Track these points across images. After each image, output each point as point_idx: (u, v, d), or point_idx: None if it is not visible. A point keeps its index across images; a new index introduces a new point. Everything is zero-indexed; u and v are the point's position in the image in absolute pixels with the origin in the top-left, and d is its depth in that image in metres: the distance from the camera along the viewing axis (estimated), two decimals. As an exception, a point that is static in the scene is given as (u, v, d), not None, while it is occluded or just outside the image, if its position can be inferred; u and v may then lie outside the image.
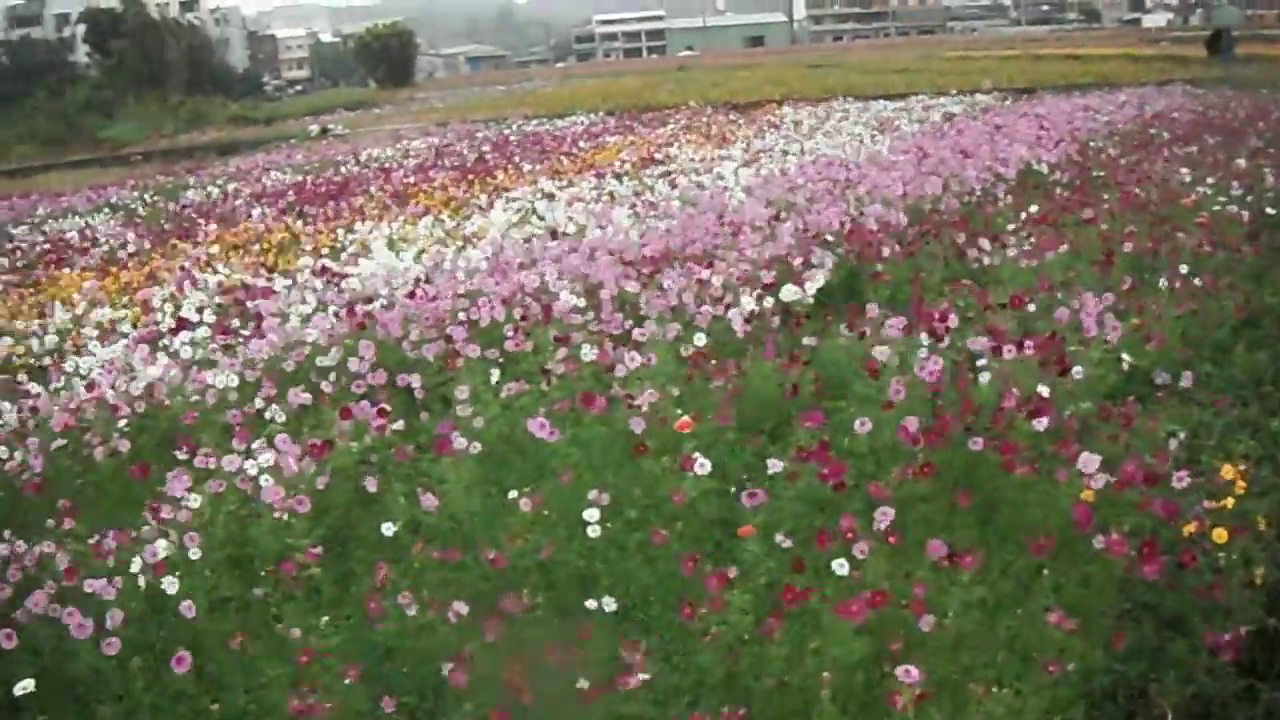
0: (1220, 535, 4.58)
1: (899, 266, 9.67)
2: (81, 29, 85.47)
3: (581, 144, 24.92)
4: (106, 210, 22.96)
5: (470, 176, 19.67)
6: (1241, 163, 14.12)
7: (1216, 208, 11.25)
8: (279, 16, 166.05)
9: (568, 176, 18.12)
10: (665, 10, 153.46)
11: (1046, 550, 4.78)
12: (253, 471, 6.06)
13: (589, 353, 7.38)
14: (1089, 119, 20.25)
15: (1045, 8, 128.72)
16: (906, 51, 71.02)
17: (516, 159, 22.20)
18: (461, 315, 8.72)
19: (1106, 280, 8.90)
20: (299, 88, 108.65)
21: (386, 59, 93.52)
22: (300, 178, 24.75)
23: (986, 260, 9.78)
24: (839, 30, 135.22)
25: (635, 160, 19.24)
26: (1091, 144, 17.01)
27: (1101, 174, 14.19)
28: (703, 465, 5.48)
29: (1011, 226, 10.75)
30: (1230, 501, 4.84)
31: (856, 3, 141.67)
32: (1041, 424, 5.61)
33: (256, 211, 18.58)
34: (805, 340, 7.58)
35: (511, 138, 28.60)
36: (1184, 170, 13.48)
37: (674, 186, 15.30)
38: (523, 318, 8.57)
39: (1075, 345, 7.08)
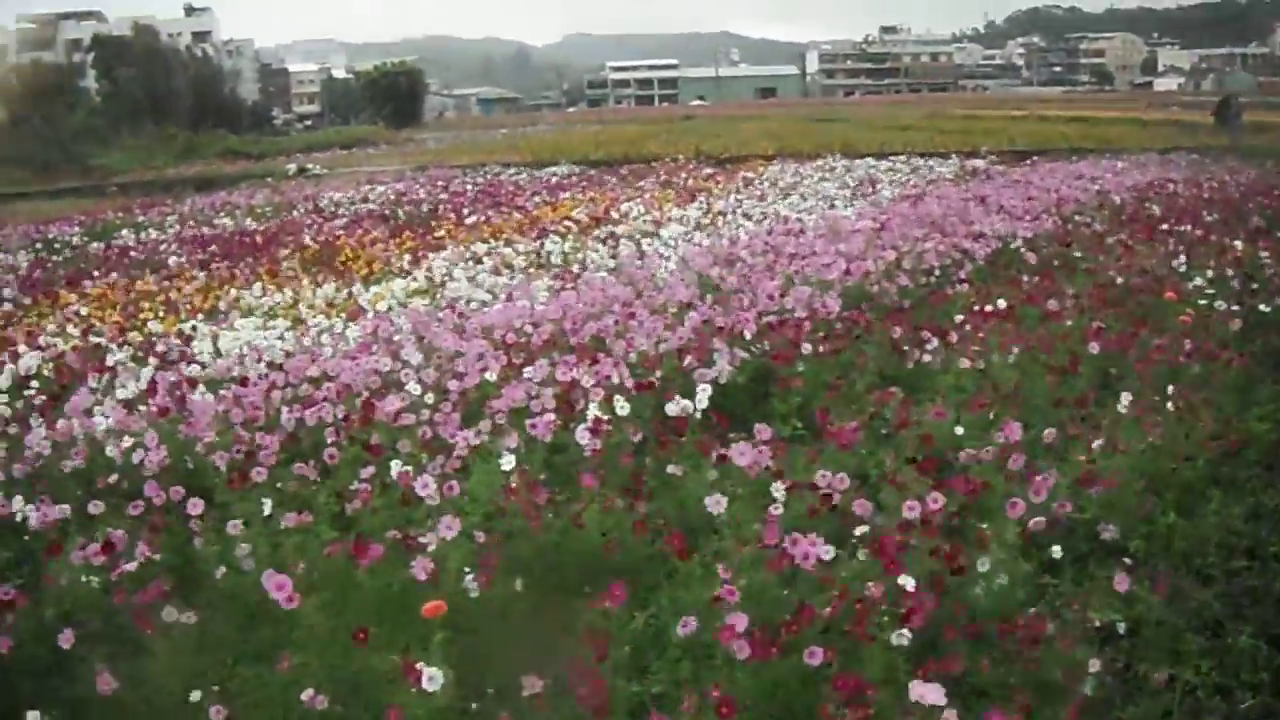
0: None
1: (821, 366, 8.18)
2: (91, 55, 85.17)
3: (540, 197, 23.44)
4: (36, 249, 21.50)
5: (407, 232, 18.21)
6: (1239, 245, 12.65)
7: (1204, 301, 9.76)
8: (297, 51, 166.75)
9: (507, 235, 16.65)
10: (679, 60, 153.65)
11: None
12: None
13: (394, 469, 5.94)
14: (1082, 187, 18.80)
15: (1058, 69, 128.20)
16: (915, 109, 70.09)
17: (466, 212, 20.74)
18: (286, 411, 7.26)
19: (1061, 392, 7.45)
20: (308, 123, 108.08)
21: (394, 97, 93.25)
22: (245, 222, 23.33)
23: (928, 358, 8.29)
24: (850, 85, 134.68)
25: (587, 219, 17.78)
26: (1078, 217, 15.53)
27: (1080, 254, 12.71)
28: (432, 679, 3.93)
29: (962, 318, 9.25)
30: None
31: (868, 58, 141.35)
32: (904, 637, 4.07)
33: (173, 260, 17.12)
34: (670, 468, 6.09)
35: (472, 188, 27.08)
36: (1174, 253, 11.99)
37: (613, 253, 13.87)
38: (345, 419, 7.07)
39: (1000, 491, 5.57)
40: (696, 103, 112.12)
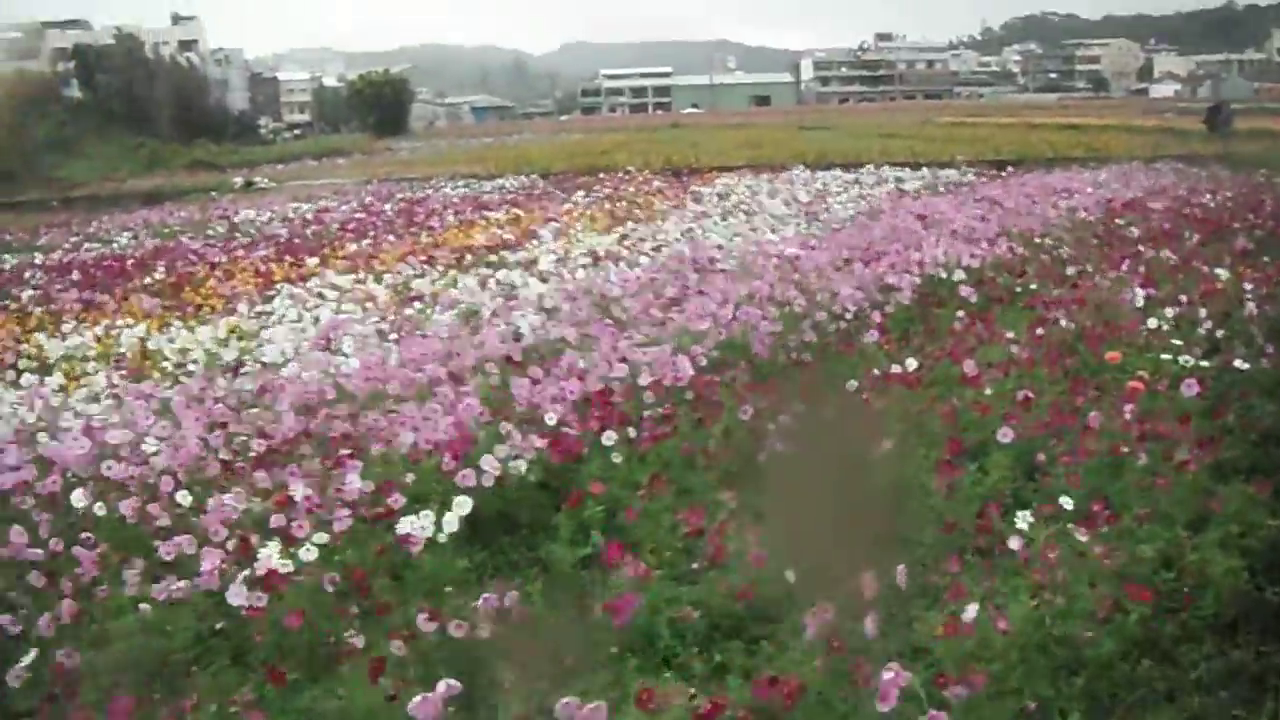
0: None
1: (637, 462, 6.21)
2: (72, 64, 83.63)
3: (463, 217, 21.37)
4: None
5: (289, 257, 16.19)
6: (1222, 274, 10.63)
7: (1168, 355, 7.76)
8: (292, 59, 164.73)
9: (384, 264, 14.64)
10: (676, 67, 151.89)
11: None
12: None
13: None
14: (1053, 203, 16.76)
15: (1053, 75, 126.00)
16: (904, 116, 68.39)
17: (369, 234, 18.74)
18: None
19: (955, 508, 5.49)
20: (298, 131, 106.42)
21: (379, 106, 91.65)
22: (146, 244, 21.33)
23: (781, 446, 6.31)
24: (844, 92, 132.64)
25: (493, 243, 15.73)
26: (1040, 240, 13.49)
27: (1033, 288, 10.70)
28: None
29: (855, 384, 7.26)
30: None
31: (863, 65, 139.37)
32: None
33: (27, 294, 15.11)
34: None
35: (391, 207, 24.90)
36: (1138, 289, 9.96)
37: (484, 287, 11.87)
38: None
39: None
40: (690, 110, 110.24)
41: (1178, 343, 8.05)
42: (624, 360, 7.45)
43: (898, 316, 9.98)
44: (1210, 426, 6.59)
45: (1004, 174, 25.50)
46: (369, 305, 11.35)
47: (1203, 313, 8.94)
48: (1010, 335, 8.34)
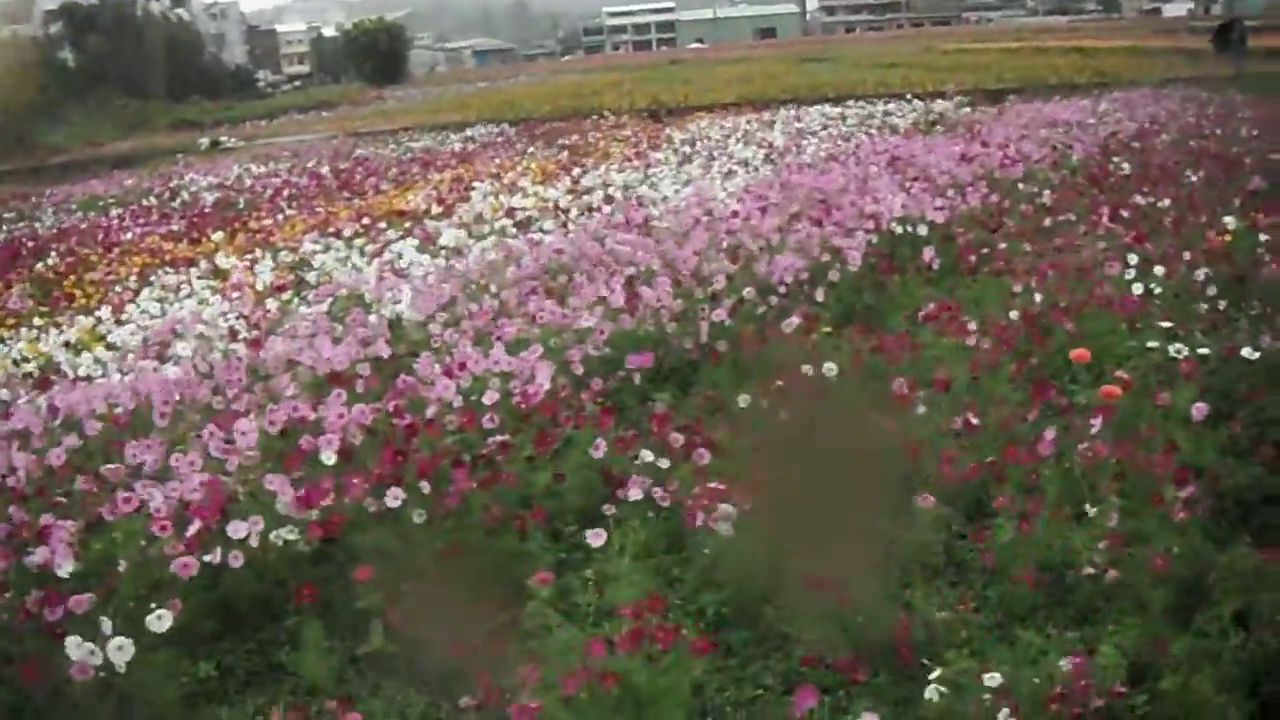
0: None
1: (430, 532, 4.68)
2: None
3: (407, 175, 19.68)
4: None
5: (208, 231, 14.56)
6: (1230, 224, 8.98)
7: (1155, 342, 6.14)
8: (293, 10, 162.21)
9: (287, 238, 13.03)
10: (677, 2, 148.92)
11: None
12: None
13: None
14: (1045, 139, 14.97)
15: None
16: (909, 44, 66.21)
17: (295, 202, 17.11)
18: None
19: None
20: (297, 83, 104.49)
21: (375, 55, 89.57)
22: (68, 220, 19.77)
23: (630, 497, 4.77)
24: (851, 21, 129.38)
25: (412, 209, 14.05)
26: (1024, 185, 11.78)
27: (1002, 245, 9.01)
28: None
29: (746, 401, 5.67)
30: None
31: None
32: None
33: None
34: None
35: (330, 169, 23.06)
36: (1133, 243, 8.31)
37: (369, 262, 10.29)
38: None
39: None
40: (694, 45, 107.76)
41: (1166, 324, 6.43)
42: (456, 371, 5.86)
43: (843, 288, 8.36)
44: (1208, 446, 5.01)
45: (999, 105, 23.66)
46: (236, 295, 9.76)
47: (1202, 274, 7.32)
48: (969, 320, 6.69)
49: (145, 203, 20.89)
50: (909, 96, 27.48)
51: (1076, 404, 5.56)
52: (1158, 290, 7.22)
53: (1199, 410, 5.01)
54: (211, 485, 4.79)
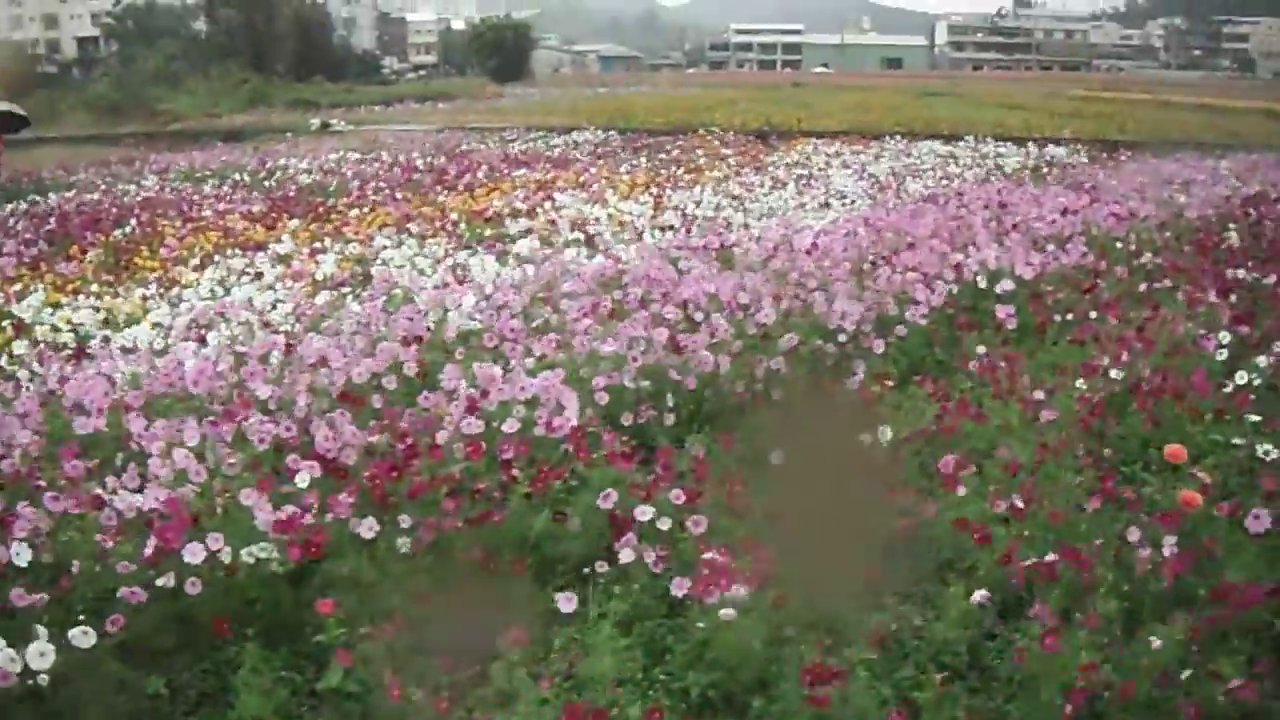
0: None
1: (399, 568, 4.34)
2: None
3: (487, 175, 19.44)
4: None
5: (270, 217, 14.42)
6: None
7: (1242, 439, 5.58)
8: (427, 0, 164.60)
9: (359, 230, 12.78)
10: (810, 25, 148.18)
11: None
12: None
13: None
14: (1158, 197, 14.19)
15: (1197, 52, 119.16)
16: (1036, 86, 64.80)
17: (382, 191, 16.93)
18: None
19: None
20: (423, 72, 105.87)
21: (500, 51, 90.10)
22: (169, 189, 19.85)
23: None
24: (979, 59, 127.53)
25: (495, 212, 13.68)
26: (1122, 245, 11.11)
27: (1093, 316, 8.39)
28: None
29: (780, 458, 5.23)
30: None
31: (999, 32, 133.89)
32: None
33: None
34: None
35: (433, 160, 22.98)
36: (1233, 319, 7.68)
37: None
38: None
39: None
40: (819, 70, 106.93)
41: (1255, 417, 5.86)
42: (479, 398, 5.51)
43: (911, 342, 7.88)
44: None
45: (1118, 157, 22.82)
46: (294, 284, 9.52)
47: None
48: (1038, 393, 6.16)
49: (238, 178, 20.90)
50: (1025, 140, 26.64)
51: (1147, 498, 5.03)
52: (1255, 381, 6.61)
53: (1254, 523, 4.47)
54: (171, 504, 4.45)
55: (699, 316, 7.36)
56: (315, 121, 39.79)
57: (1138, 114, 39.42)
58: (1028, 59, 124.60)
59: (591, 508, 4.79)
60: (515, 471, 4.99)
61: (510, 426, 5.36)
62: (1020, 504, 4.78)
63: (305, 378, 6.15)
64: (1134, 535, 4.47)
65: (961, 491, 4.91)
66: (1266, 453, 5.34)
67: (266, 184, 20.12)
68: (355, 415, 5.52)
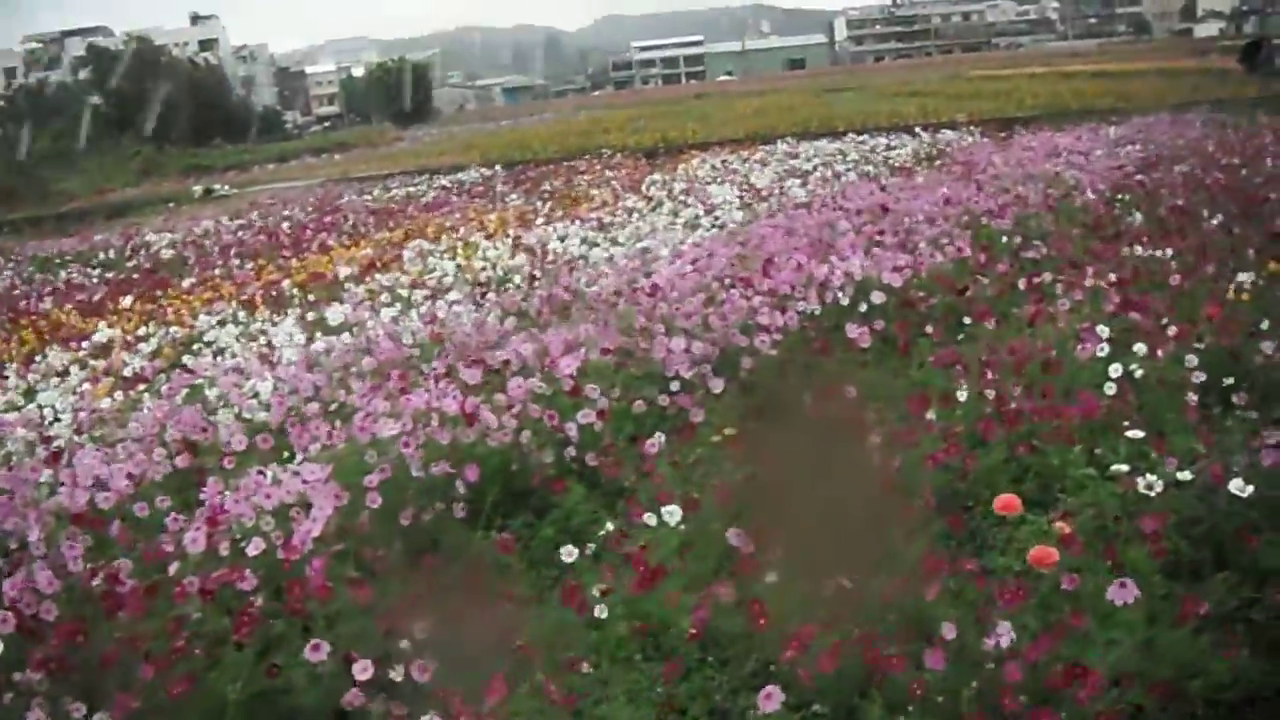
0: None
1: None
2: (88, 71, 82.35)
3: (362, 228, 18.35)
4: None
5: (108, 301, 13.20)
6: (1243, 280, 7.39)
7: (1122, 467, 4.64)
8: (328, 50, 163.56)
9: (188, 309, 11.64)
10: (712, 35, 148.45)
11: None
12: None
13: None
14: (1043, 177, 13.36)
15: (1093, 21, 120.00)
16: (936, 71, 64.93)
17: (232, 261, 15.76)
18: None
19: None
20: (327, 124, 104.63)
21: (400, 95, 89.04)
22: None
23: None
24: (879, 50, 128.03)
25: (334, 275, 12.50)
26: (1006, 236, 10.19)
27: (967, 322, 7.49)
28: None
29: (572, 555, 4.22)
30: None
31: (897, 21, 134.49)
32: None
33: None
34: None
35: (308, 217, 21.79)
36: (1109, 318, 6.77)
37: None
38: None
39: None
40: (723, 78, 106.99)
41: (1137, 434, 4.92)
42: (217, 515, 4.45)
43: (761, 376, 6.88)
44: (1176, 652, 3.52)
45: (1013, 134, 22.15)
46: (82, 390, 8.37)
47: (1193, 359, 5.77)
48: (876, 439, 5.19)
49: (103, 257, 19.58)
50: (918, 128, 25.90)
51: (996, 567, 4.07)
52: (1138, 372, 5.73)
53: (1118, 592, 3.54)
54: None
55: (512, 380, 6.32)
56: (198, 188, 38.32)
57: (1037, 88, 39.08)
58: (928, 45, 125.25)
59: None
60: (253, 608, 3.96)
61: (255, 548, 4.36)
62: (846, 583, 3.81)
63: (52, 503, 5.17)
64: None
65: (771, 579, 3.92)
66: (1149, 485, 4.38)
67: (130, 264, 18.83)
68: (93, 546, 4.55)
